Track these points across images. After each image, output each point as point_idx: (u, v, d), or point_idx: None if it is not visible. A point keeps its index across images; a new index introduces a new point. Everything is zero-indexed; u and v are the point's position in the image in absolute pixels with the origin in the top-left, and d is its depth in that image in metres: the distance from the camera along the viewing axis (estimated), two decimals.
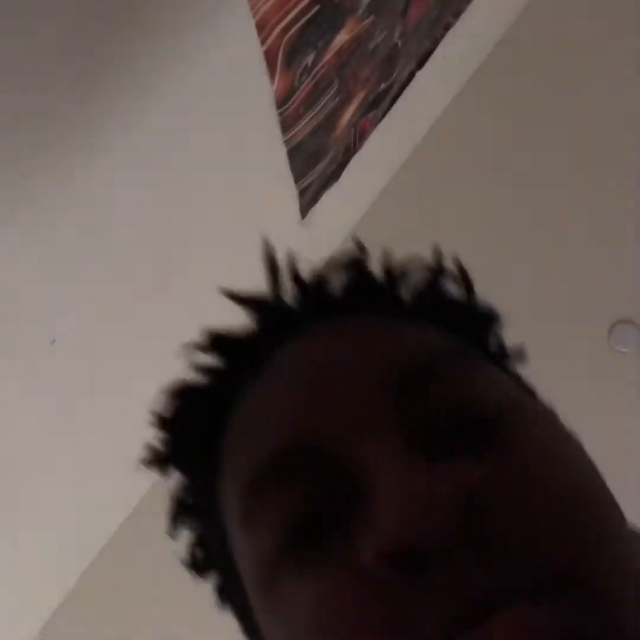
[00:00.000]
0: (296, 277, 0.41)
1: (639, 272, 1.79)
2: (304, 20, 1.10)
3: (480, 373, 0.35)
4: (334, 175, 1.55)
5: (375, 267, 0.42)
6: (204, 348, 0.41)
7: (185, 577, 0.40)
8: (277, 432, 0.34)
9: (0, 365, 0.93)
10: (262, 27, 1.02)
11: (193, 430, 0.39)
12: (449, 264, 0.41)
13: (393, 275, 0.41)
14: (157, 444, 0.40)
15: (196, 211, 1.13)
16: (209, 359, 0.40)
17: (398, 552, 0.28)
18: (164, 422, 0.39)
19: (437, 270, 0.41)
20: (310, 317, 0.39)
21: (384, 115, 1.59)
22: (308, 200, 1.50)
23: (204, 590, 0.40)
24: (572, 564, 0.28)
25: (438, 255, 0.42)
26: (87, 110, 0.82)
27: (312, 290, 0.41)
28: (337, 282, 0.41)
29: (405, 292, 0.41)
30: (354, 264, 0.41)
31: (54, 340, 0.98)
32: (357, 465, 0.31)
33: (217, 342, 0.41)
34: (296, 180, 1.38)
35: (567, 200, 1.86)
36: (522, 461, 0.31)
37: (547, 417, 0.36)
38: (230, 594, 0.38)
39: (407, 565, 0.28)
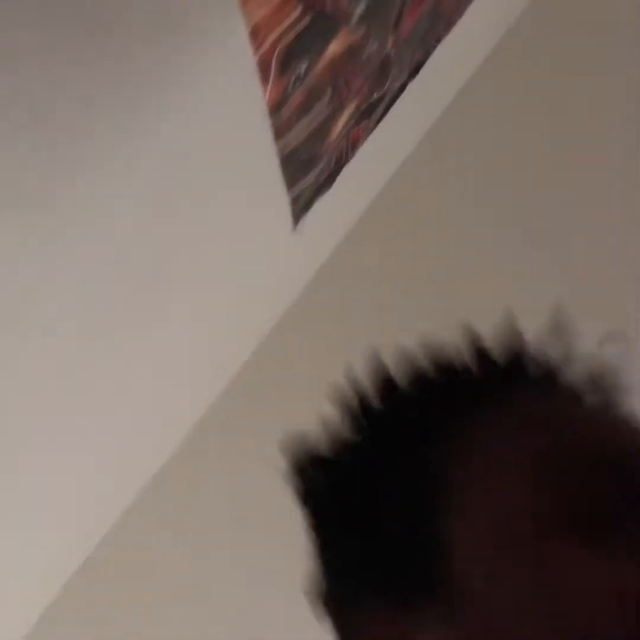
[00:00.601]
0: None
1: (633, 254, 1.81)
2: (296, 30, 1.12)
3: None
4: (326, 183, 1.56)
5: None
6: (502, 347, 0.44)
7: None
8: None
9: None
10: (255, 36, 1.04)
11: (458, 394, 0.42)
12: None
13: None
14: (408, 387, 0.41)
15: (189, 215, 1.14)
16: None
17: None
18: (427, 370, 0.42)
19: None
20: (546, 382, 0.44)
21: (376, 125, 1.60)
22: (300, 208, 1.51)
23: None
24: None
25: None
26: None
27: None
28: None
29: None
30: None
31: None
32: None
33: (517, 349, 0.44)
34: (288, 188, 1.39)
35: (556, 201, 1.87)
36: None
37: None
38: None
39: None
